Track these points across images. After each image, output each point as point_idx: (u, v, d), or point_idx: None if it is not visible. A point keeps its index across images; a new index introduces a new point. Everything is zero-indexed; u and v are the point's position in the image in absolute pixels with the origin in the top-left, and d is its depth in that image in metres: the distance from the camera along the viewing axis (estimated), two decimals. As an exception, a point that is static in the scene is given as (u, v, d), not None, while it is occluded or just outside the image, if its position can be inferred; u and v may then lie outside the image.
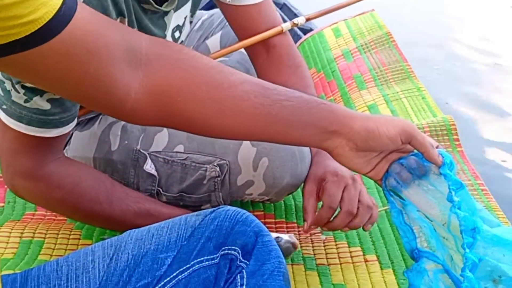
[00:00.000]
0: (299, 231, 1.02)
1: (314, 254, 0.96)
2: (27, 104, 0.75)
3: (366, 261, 0.94)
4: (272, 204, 1.08)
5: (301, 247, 0.97)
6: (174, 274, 0.62)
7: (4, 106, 0.77)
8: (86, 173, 0.86)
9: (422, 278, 0.69)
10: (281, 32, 1.01)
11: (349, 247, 0.98)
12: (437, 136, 1.13)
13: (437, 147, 0.69)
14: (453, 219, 0.68)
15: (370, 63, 1.44)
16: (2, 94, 0.76)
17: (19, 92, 0.74)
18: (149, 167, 0.92)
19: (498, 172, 1.41)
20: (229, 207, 0.67)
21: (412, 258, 0.72)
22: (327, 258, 0.96)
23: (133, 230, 0.67)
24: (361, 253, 0.96)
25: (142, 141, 0.94)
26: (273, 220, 1.05)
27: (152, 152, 0.94)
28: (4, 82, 0.75)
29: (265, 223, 1.02)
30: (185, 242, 0.63)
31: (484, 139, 1.61)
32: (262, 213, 1.07)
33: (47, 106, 0.76)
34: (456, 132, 1.13)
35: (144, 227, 0.67)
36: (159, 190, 0.94)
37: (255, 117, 0.65)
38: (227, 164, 0.92)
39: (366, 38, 1.53)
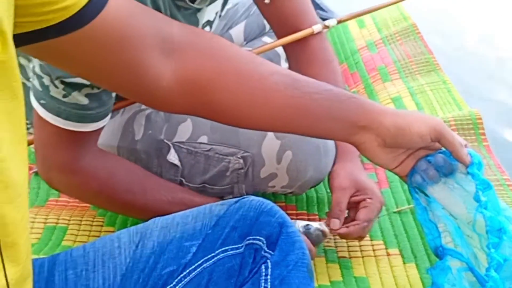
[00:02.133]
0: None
1: (336, 247, 0.96)
2: (65, 99, 0.76)
3: (388, 254, 0.94)
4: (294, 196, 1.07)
5: (323, 241, 0.97)
6: (199, 262, 0.62)
7: (42, 101, 0.77)
8: (120, 164, 0.87)
9: (446, 276, 0.69)
10: (312, 34, 1.00)
11: (371, 240, 0.97)
12: (463, 130, 1.11)
13: (465, 146, 0.68)
14: (478, 218, 0.67)
15: (394, 55, 1.42)
16: (41, 89, 0.77)
17: (57, 87, 0.75)
18: (172, 157, 0.92)
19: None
20: (253, 197, 0.67)
21: (436, 256, 0.72)
22: (349, 251, 0.95)
23: (158, 218, 0.67)
24: (383, 246, 0.96)
25: (165, 131, 0.94)
26: (295, 212, 1.05)
27: (175, 142, 0.93)
28: (42, 77, 0.75)
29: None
30: (210, 231, 0.63)
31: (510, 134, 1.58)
32: (284, 204, 1.06)
33: (85, 100, 0.77)
34: (482, 127, 1.11)
35: (169, 215, 0.67)
36: (182, 181, 0.94)
37: (285, 108, 0.65)
38: (250, 157, 0.91)
39: (391, 30, 1.51)
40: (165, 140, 0.93)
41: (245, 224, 0.63)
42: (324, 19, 1.05)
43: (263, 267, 0.61)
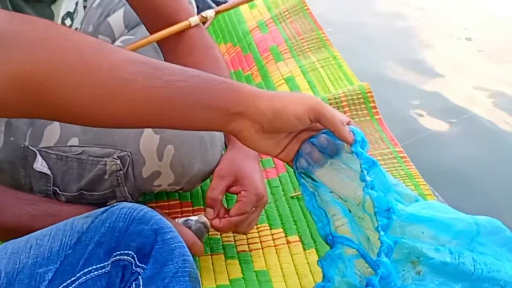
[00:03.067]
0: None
1: (235, 241, 0.92)
2: None
3: (288, 242, 0.91)
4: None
5: (220, 235, 0.93)
6: None
7: None
8: None
9: (336, 266, 0.65)
10: (189, 27, 0.94)
11: (271, 229, 0.94)
12: (354, 105, 1.10)
13: (348, 123, 0.65)
14: (367, 199, 0.64)
15: (285, 33, 1.39)
16: None
17: None
18: (40, 165, 0.84)
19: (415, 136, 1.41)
20: (124, 204, 0.60)
21: (327, 244, 0.68)
22: (248, 244, 0.92)
23: (10, 242, 0.59)
24: (283, 234, 0.93)
25: (30, 136, 0.85)
26: (191, 208, 1.00)
27: (42, 148, 0.85)
28: None
29: (182, 212, 1.00)
30: (69, 251, 0.57)
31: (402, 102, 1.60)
32: (178, 202, 1.01)
33: None
34: (373, 100, 1.10)
35: (23, 237, 0.60)
36: (56, 190, 0.86)
37: (146, 102, 0.57)
38: (128, 156, 0.84)
39: (281, 8, 1.48)
40: (30, 147, 0.85)
41: (112, 238, 0.57)
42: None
43: (133, 285, 0.57)
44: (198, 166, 0.86)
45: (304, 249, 0.90)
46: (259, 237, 0.93)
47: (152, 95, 0.57)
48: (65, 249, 0.57)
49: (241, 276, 0.86)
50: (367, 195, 0.64)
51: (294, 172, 0.69)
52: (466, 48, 1.93)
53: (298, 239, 0.92)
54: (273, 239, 0.92)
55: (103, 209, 0.60)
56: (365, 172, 0.63)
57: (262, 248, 0.91)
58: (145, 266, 0.57)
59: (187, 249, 0.61)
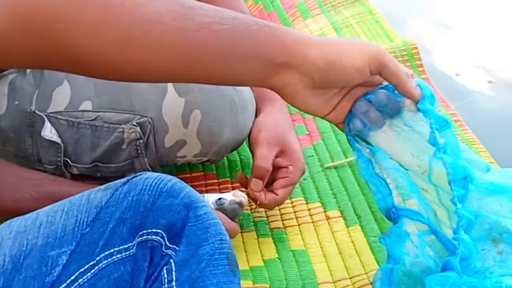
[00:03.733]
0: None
1: (267, 217, 0.85)
2: None
3: (328, 218, 0.84)
4: (213, 162, 0.95)
5: (250, 210, 0.85)
6: (73, 277, 0.49)
7: None
8: None
9: (404, 244, 0.55)
10: None
11: (307, 203, 0.87)
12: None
13: (412, 77, 0.57)
14: (435, 167, 0.56)
15: (313, -12, 1.33)
16: None
17: None
18: (48, 133, 0.77)
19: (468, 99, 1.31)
20: (149, 173, 0.53)
21: (389, 219, 0.59)
22: (282, 220, 0.84)
23: (15, 219, 0.52)
24: (321, 209, 0.86)
25: (37, 99, 0.79)
26: (216, 181, 0.92)
27: (51, 113, 0.78)
28: None
29: (206, 186, 0.92)
30: (86, 230, 0.50)
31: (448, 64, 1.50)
32: (202, 174, 0.94)
33: None
34: (419, 57, 1.02)
35: (31, 214, 0.52)
36: (67, 162, 0.80)
37: (174, 48, 0.50)
38: (149, 122, 0.77)
39: (306, -41, 1.39)
40: (37, 112, 0.78)
41: (136, 214, 0.50)
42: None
43: (164, 270, 0.50)
44: (228, 135, 0.80)
45: (347, 226, 0.82)
46: (294, 212, 0.86)
47: (181, 40, 0.49)
48: (81, 228, 0.50)
49: (277, 256, 0.79)
50: (437, 162, 0.56)
51: (347, 135, 0.60)
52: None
53: (339, 214, 0.84)
54: (310, 215, 0.85)
55: (124, 179, 0.53)
56: (437, 133, 0.54)
57: (299, 225, 0.83)
58: (177, 248, 0.50)
59: (223, 227, 0.53)
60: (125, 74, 0.52)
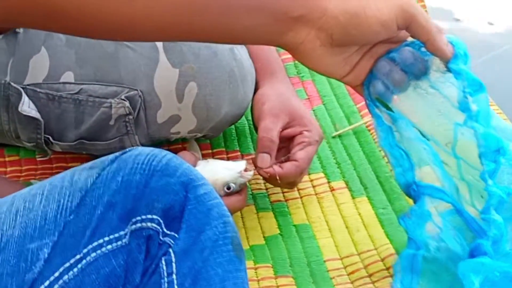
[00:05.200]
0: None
1: (267, 189, 0.80)
2: None
3: (332, 189, 0.80)
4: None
5: (249, 182, 0.78)
6: (57, 274, 0.43)
7: None
8: None
9: (425, 225, 0.50)
10: None
11: (309, 174, 0.82)
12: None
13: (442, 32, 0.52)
14: (461, 137, 0.51)
15: None
16: None
17: None
18: (26, 107, 0.72)
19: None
20: (140, 149, 0.47)
21: (409, 196, 0.54)
22: (283, 193, 0.80)
23: None
24: (325, 180, 0.81)
25: (11, 69, 0.73)
26: (210, 152, 0.87)
27: (28, 85, 0.73)
28: None
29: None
30: (71, 217, 0.44)
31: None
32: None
33: None
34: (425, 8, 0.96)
35: (6, 198, 0.46)
36: (48, 139, 0.75)
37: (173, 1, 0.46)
38: (140, 96, 0.72)
39: None
40: (13, 84, 0.73)
41: (127, 197, 0.45)
42: None
43: (163, 262, 0.44)
44: (226, 109, 0.75)
45: (353, 197, 0.78)
46: (296, 183, 0.81)
47: None
48: (65, 215, 0.44)
49: (278, 232, 0.75)
50: (464, 131, 0.51)
51: (366, 99, 0.55)
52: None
53: (344, 185, 0.80)
54: (313, 186, 0.80)
55: (112, 156, 0.46)
56: (470, 98, 0.49)
57: (301, 197, 0.79)
58: (176, 235, 0.45)
59: (225, 207, 0.48)
60: (110, 29, 0.46)
